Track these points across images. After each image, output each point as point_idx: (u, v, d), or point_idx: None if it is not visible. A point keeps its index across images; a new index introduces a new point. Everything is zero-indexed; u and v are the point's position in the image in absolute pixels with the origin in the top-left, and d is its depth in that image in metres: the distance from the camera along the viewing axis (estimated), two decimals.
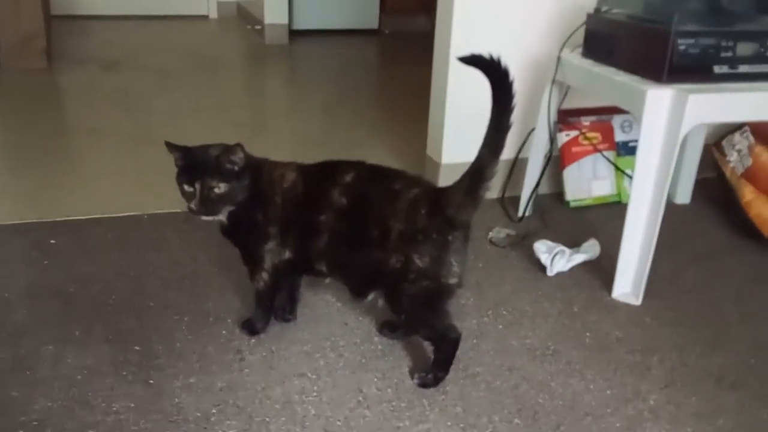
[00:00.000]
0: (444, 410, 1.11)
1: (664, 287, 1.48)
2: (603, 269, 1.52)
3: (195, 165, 1.11)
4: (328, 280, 1.24)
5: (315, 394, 1.13)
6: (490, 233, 1.70)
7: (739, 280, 1.57)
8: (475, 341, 1.28)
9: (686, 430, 1.10)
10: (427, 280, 1.10)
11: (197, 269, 1.49)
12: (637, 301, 1.43)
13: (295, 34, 4.01)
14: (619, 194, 1.94)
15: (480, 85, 1.07)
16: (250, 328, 1.27)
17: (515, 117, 1.06)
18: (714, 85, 1.36)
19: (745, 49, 1.37)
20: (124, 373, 1.15)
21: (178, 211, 1.67)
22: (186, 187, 1.11)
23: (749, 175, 1.78)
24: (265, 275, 1.21)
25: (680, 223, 1.78)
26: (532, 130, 1.77)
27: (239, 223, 1.19)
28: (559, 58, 1.61)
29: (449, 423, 1.08)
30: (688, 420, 1.12)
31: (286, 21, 3.93)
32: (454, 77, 1.80)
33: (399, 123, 2.55)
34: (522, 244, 1.65)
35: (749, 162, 1.79)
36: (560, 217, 1.83)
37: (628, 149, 1.93)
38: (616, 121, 1.94)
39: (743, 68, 1.38)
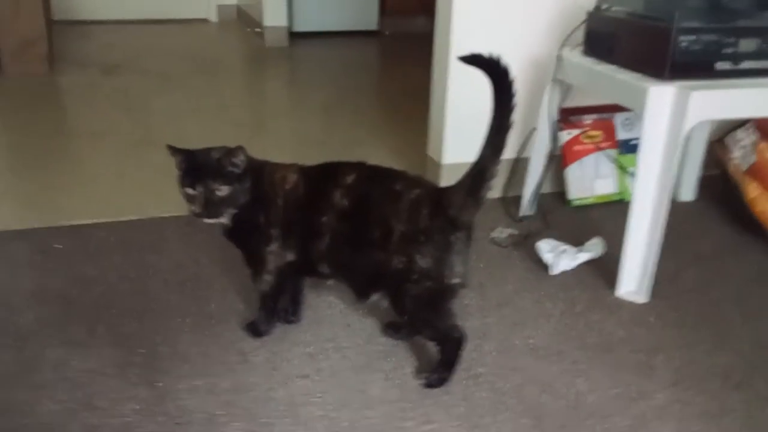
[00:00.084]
0: (448, 411, 1.11)
1: (668, 286, 1.48)
2: (606, 268, 1.52)
3: (197, 168, 1.11)
4: (330, 282, 1.24)
5: (319, 395, 1.13)
6: (493, 233, 1.70)
7: (744, 278, 1.56)
8: (478, 341, 1.28)
9: (692, 429, 1.09)
10: (430, 280, 1.10)
11: (200, 272, 1.49)
12: (643, 299, 1.43)
13: (295, 36, 4.02)
14: (621, 192, 1.93)
15: (480, 85, 1.07)
16: (254, 329, 1.27)
17: (516, 116, 1.06)
18: (716, 81, 1.36)
19: (747, 45, 1.36)
20: (129, 376, 1.15)
21: (180, 214, 1.68)
22: (188, 191, 1.11)
23: (753, 172, 1.77)
24: (267, 277, 1.21)
25: (684, 221, 1.77)
26: (534, 129, 1.77)
27: (241, 226, 1.19)
28: (559, 57, 1.61)
29: (454, 423, 1.08)
30: (694, 420, 1.11)
31: (285, 23, 3.94)
32: (455, 77, 1.80)
33: (399, 124, 2.55)
34: (524, 243, 1.65)
35: (753, 158, 1.78)
36: (563, 217, 1.83)
37: (630, 147, 1.93)
38: (618, 119, 1.93)
39: (746, 64, 1.37)
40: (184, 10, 4.57)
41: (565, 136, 1.88)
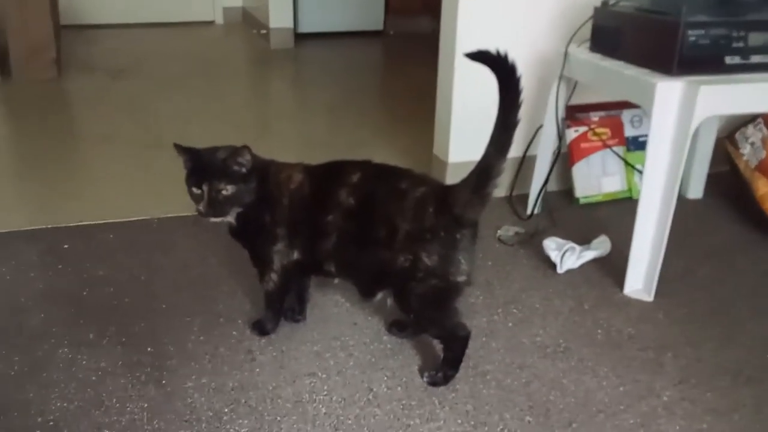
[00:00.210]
0: (454, 408, 1.10)
1: (676, 283, 1.47)
2: (613, 266, 1.51)
3: (203, 167, 1.12)
4: (336, 281, 1.24)
5: (325, 393, 1.13)
6: (499, 231, 1.69)
7: (753, 275, 1.55)
8: (484, 339, 1.27)
9: (702, 426, 1.09)
10: (436, 278, 1.10)
11: (207, 271, 1.50)
12: (649, 297, 1.42)
13: (300, 37, 4.03)
14: (629, 190, 1.92)
15: (486, 83, 1.07)
16: (261, 328, 1.28)
17: (522, 114, 1.05)
18: (725, 76, 1.35)
19: (757, 39, 1.35)
20: (138, 374, 1.16)
21: (187, 214, 1.68)
22: (194, 190, 1.12)
23: (763, 168, 1.76)
24: (274, 276, 1.21)
25: (692, 219, 1.76)
26: (540, 126, 1.76)
27: (247, 225, 1.19)
28: (566, 53, 1.60)
29: (460, 421, 1.08)
30: (703, 416, 1.10)
31: (291, 25, 3.94)
32: (460, 76, 1.80)
33: (404, 123, 2.55)
34: (531, 242, 1.64)
35: (763, 155, 1.77)
36: (570, 215, 1.82)
37: (638, 144, 1.92)
38: (626, 116, 1.92)
39: (755, 59, 1.36)
40: (190, 12, 4.59)
41: (572, 133, 1.87)
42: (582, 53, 1.58)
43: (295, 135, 2.53)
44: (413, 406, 1.11)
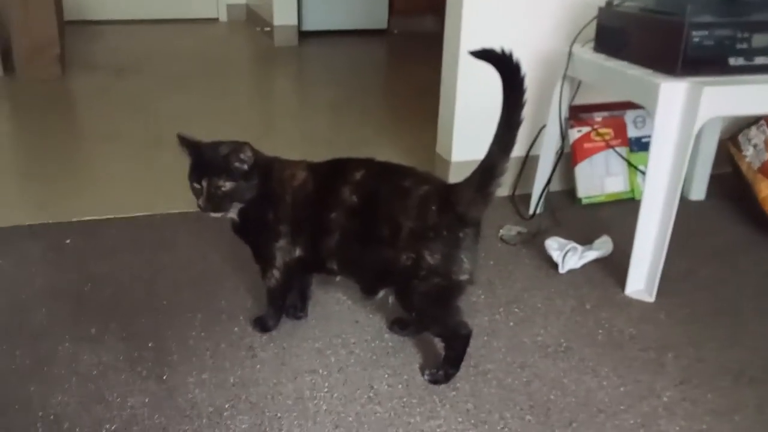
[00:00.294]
0: (455, 406, 1.11)
1: (678, 284, 1.46)
2: (616, 266, 1.51)
3: (204, 162, 1.13)
4: (338, 278, 1.24)
5: (326, 390, 1.13)
6: (501, 231, 1.69)
7: (755, 276, 1.54)
8: (486, 338, 1.27)
9: (702, 427, 1.08)
10: (438, 277, 1.10)
11: (209, 268, 1.50)
12: (650, 298, 1.42)
13: (304, 35, 4.03)
14: (632, 191, 1.92)
15: (490, 82, 1.07)
16: (262, 325, 1.28)
17: (526, 113, 1.05)
18: (729, 77, 1.34)
19: (761, 40, 1.35)
20: (139, 370, 1.16)
21: (189, 211, 1.69)
22: (195, 184, 1.13)
23: (766, 170, 1.75)
24: (276, 273, 1.21)
25: (695, 220, 1.76)
26: (543, 126, 1.76)
27: (250, 222, 1.19)
28: (570, 53, 1.60)
29: (460, 419, 1.08)
30: (704, 417, 1.10)
31: (295, 22, 3.95)
32: (464, 75, 1.80)
33: (408, 122, 2.55)
34: (533, 241, 1.64)
35: (765, 156, 1.77)
36: (572, 215, 1.82)
37: (641, 145, 1.91)
38: (629, 116, 1.92)
39: (759, 60, 1.35)
40: (194, 9, 4.60)
41: (575, 133, 1.87)
42: (586, 53, 1.58)
43: (298, 133, 2.53)
44: (414, 404, 1.11)
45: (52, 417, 1.05)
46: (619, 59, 1.48)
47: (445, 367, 1.16)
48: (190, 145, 1.14)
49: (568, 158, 1.87)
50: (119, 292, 1.40)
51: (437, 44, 1.90)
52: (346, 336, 1.28)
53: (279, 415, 1.08)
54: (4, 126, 2.56)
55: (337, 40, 4.12)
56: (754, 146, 1.81)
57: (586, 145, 1.89)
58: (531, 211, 1.80)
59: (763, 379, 1.20)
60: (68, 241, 1.60)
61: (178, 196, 1.21)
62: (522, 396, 1.13)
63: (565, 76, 1.64)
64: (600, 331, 1.32)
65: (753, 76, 1.36)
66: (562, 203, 1.87)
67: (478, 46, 1.06)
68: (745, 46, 1.34)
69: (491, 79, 1.05)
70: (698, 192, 1.94)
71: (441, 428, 1.06)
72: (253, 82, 3.44)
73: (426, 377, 1.16)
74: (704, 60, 1.33)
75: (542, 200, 1.80)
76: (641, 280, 1.43)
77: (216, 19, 4.69)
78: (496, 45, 1.04)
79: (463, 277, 1.11)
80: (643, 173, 1.70)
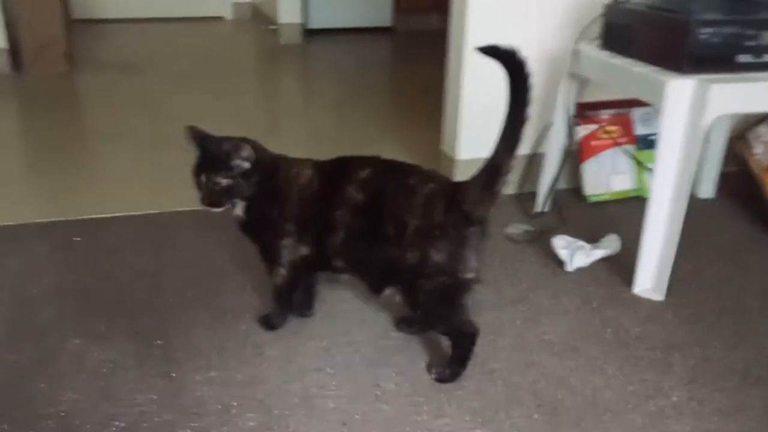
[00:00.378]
0: (461, 405, 1.11)
1: (686, 283, 1.46)
2: (622, 265, 1.50)
3: (206, 157, 1.15)
4: (345, 277, 1.24)
5: (333, 388, 1.13)
6: (507, 229, 1.69)
7: (763, 275, 1.53)
8: (492, 337, 1.27)
9: (709, 427, 1.08)
10: (444, 275, 1.10)
11: (215, 266, 1.50)
12: (659, 296, 1.41)
13: (309, 33, 4.03)
14: (639, 189, 1.91)
15: (495, 80, 1.07)
16: (268, 323, 1.28)
17: (532, 111, 1.05)
18: (737, 74, 1.33)
19: None
20: (147, 367, 1.17)
21: (197, 209, 1.69)
22: (197, 178, 1.15)
23: None
24: (282, 271, 1.22)
25: (703, 218, 1.75)
26: (549, 124, 1.75)
27: (256, 220, 1.20)
28: (575, 51, 1.59)
29: (467, 418, 1.08)
30: (711, 417, 1.10)
31: (300, 20, 3.95)
32: (469, 72, 1.79)
33: (413, 120, 2.55)
34: (539, 239, 1.64)
35: None
36: (579, 213, 1.82)
37: (648, 143, 1.90)
38: (636, 114, 1.91)
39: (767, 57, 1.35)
40: (200, 8, 4.61)
41: (582, 131, 1.86)
42: (592, 50, 1.57)
43: (303, 131, 2.54)
44: (420, 403, 1.11)
45: (61, 414, 1.06)
46: (626, 56, 1.47)
47: (451, 365, 1.16)
48: (197, 138, 1.16)
49: (574, 156, 1.86)
50: (125, 290, 1.40)
51: (442, 42, 1.89)
52: (352, 334, 1.28)
53: (286, 413, 1.08)
54: (11, 123, 2.58)
55: (342, 38, 4.12)
56: (764, 144, 1.79)
57: (593, 143, 1.88)
58: (537, 209, 1.80)
59: None
60: (77, 239, 1.60)
61: (184, 194, 1.22)
62: (528, 395, 1.13)
63: (571, 74, 1.63)
64: (607, 329, 1.32)
65: (762, 74, 1.35)
66: (569, 201, 1.86)
67: (483, 44, 1.05)
68: (753, 43, 1.33)
69: (496, 76, 1.05)
70: (707, 190, 1.92)
71: (448, 427, 1.06)
72: (259, 80, 3.44)
73: (433, 376, 1.16)
74: (711, 57, 1.32)
75: (549, 198, 1.80)
76: (649, 278, 1.43)
77: (222, 18, 4.70)
78: (502, 42, 1.04)
79: (469, 275, 1.11)
80: (650, 171, 1.69)
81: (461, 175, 1.13)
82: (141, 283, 1.43)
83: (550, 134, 1.76)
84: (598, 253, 1.54)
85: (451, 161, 1.91)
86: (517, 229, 1.69)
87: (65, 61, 3.10)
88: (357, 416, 1.08)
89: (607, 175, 1.89)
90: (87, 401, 1.09)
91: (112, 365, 1.17)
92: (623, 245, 1.56)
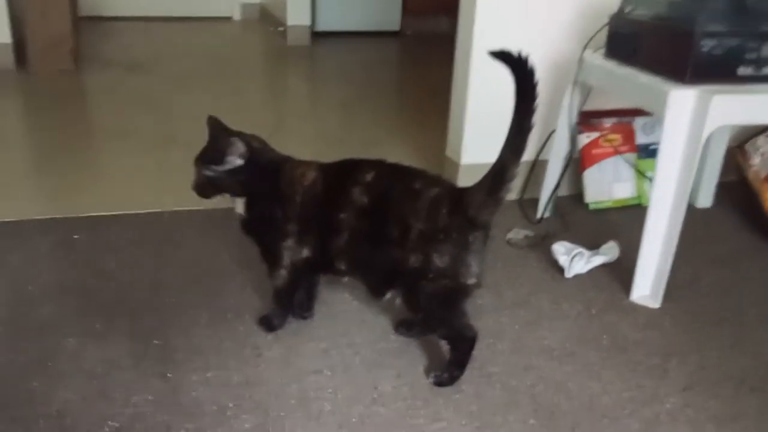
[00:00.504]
0: (459, 409, 1.11)
1: (684, 291, 1.46)
2: (622, 272, 1.51)
3: (207, 148, 1.19)
4: (346, 279, 1.25)
5: (331, 390, 1.14)
6: (509, 234, 1.70)
7: (761, 284, 1.54)
8: (491, 341, 1.28)
9: None
10: (446, 279, 1.10)
11: (216, 266, 1.51)
12: (656, 304, 1.42)
13: (317, 35, 4.05)
14: (640, 197, 1.91)
15: (501, 85, 1.07)
16: (268, 324, 1.29)
17: (536, 118, 1.05)
18: (738, 86, 1.34)
19: None
20: (143, 367, 1.17)
21: (199, 208, 1.70)
22: (195, 166, 1.19)
23: None
24: (283, 272, 1.22)
25: (701, 227, 1.75)
26: (553, 131, 1.76)
27: (258, 220, 1.21)
28: (581, 59, 1.60)
29: (464, 422, 1.08)
30: (706, 423, 1.10)
31: (308, 23, 3.97)
32: (475, 77, 1.80)
33: (419, 124, 2.55)
34: (540, 245, 1.64)
35: None
36: (580, 219, 1.82)
37: (649, 152, 1.91)
38: (638, 123, 1.92)
39: None
40: (208, 8, 4.63)
41: (584, 139, 1.87)
42: (597, 59, 1.58)
43: (309, 132, 2.55)
44: (418, 406, 1.11)
45: (56, 413, 1.05)
46: (630, 66, 1.48)
47: (450, 369, 1.16)
48: (211, 128, 1.20)
49: (576, 163, 1.87)
50: (125, 289, 1.41)
51: (449, 46, 1.90)
52: (351, 336, 1.28)
53: (283, 414, 1.08)
54: (16, 119, 2.59)
55: (349, 41, 4.13)
56: (762, 155, 1.80)
57: (595, 151, 1.89)
58: (539, 215, 1.80)
59: (764, 387, 1.19)
60: (76, 236, 1.61)
61: (187, 194, 1.22)
62: (526, 399, 1.14)
63: (575, 82, 1.64)
64: (605, 335, 1.32)
65: (762, 86, 1.35)
66: (570, 208, 1.87)
67: (490, 48, 1.06)
68: (754, 56, 1.33)
69: (502, 82, 1.06)
70: (705, 199, 1.93)
71: (445, 430, 1.07)
72: (266, 81, 3.46)
73: (431, 379, 1.17)
74: (714, 68, 1.33)
75: (550, 205, 1.80)
76: (647, 286, 1.43)
77: (230, 18, 4.72)
78: (512, 48, 1.04)
79: (471, 280, 1.11)
80: (651, 180, 1.69)
81: (465, 179, 1.14)
82: (141, 282, 1.43)
83: (553, 141, 1.77)
84: (597, 260, 1.55)
85: (455, 165, 1.91)
86: (518, 234, 1.70)
87: (72, 58, 3.11)
88: (354, 419, 1.08)
89: (608, 183, 1.90)
90: (82, 400, 1.08)
91: (108, 364, 1.17)
92: (623, 253, 1.57)
